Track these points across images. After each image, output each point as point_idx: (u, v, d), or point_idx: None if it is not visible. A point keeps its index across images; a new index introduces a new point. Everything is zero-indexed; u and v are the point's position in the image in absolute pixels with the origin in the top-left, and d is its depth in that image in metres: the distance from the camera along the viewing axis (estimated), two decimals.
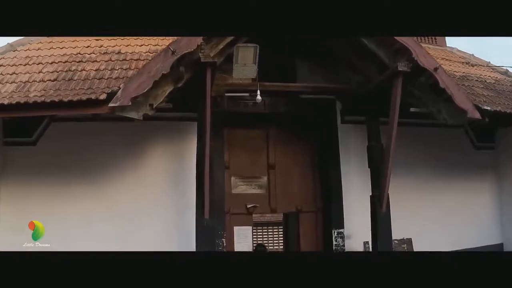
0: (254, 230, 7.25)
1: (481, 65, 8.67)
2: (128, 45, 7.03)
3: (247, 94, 6.94)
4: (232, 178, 7.40)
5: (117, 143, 6.89)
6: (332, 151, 7.47)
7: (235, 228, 7.14)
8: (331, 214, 7.27)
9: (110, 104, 5.10)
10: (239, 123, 7.44)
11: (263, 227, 7.54)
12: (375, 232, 6.27)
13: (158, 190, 6.81)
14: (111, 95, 5.20)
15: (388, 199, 6.24)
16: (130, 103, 5.05)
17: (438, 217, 7.71)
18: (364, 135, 6.94)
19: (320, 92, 6.94)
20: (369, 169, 6.70)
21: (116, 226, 6.41)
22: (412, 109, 6.20)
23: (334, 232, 7.16)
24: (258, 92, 6.21)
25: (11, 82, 5.84)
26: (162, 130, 6.96)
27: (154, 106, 5.39)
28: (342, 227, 7.18)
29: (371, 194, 6.39)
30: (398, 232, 6.52)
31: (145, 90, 5.10)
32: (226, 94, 6.77)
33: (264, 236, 8.53)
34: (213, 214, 6.32)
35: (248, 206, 7.23)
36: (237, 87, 6.57)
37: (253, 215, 7.38)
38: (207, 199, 5.60)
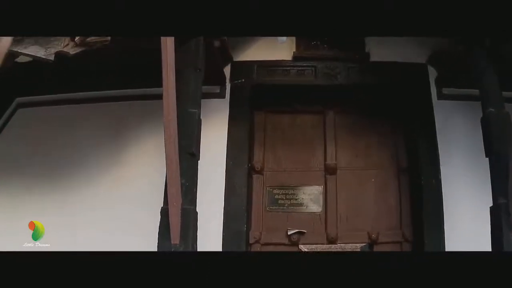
0: None
1: None
2: None
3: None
4: (266, 187, 4.75)
5: (96, 133, 4.71)
6: (426, 146, 4.51)
7: None
8: (426, 246, 4.24)
9: None
10: (277, 103, 4.86)
11: None
12: None
13: (147, 196, 4.19)
14: None
15: None
16: None
17: None
18: (473, 114, 3.93)
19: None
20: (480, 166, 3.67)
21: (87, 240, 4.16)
22: None
23: None
24: None
25: None
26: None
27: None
28: None
29: (492, 204, 3.27)
30: None
31: None
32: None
33: None
34: (228, 242, 4.01)
35: (290, 232, 4.49)
36: None
37: (301, 247, 4.57)
38: (176, 213, 3.05)
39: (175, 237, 3.08)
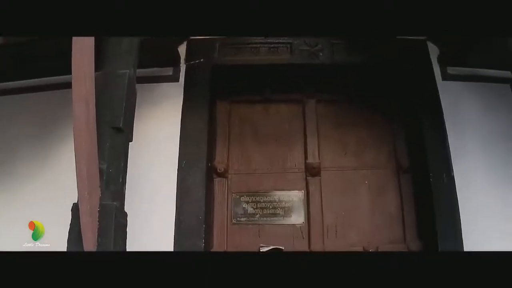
0: None
1: None
2: None
3: None
4: (232, 194, 3.72)
5: (30, 125, 3.74)
6: (433, 136, 3.57)
7: None
8: None
9: None
10: (244, 89, 3.90)
11: None
12: None
13: None
14: None
15: None
16: None
17: None
18: (487, 97, 3.69)
19: None
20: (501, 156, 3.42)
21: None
22: None
23: None
24: None
25: None
26: None
27: None
28: None
29: None
30: None
31: None
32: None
33: None
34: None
35: (263, 250, 3.46)
36: None
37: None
38: (90, 211, 2.14)
39: (88, 245, 2.11)
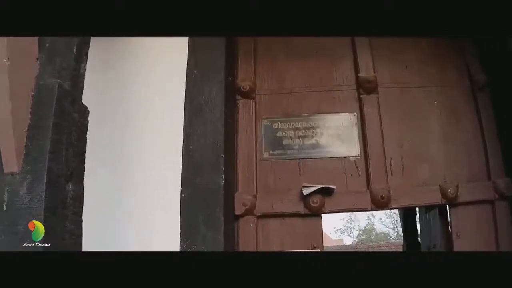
0: None
1: None
2: None
3: None
4: (261, 119, 2.81)
5: None
6: None
7: None
8: None
9: None
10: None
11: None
12: None
13: None
14: None
15: None
16: None
17: None
18: None
19: None
20: None
21: None
22: None
23: None
24: None
25: None
26: None
27: None
28: None
29: None
30: None
31: None
32: None
33: None
34: (192, 209, 2.23)
35: (306, 192, 2.55)
36: None
37: (324, 217, 2.69)
38: (8, 105, 1.31)
39: (6, 151, 1.39)
